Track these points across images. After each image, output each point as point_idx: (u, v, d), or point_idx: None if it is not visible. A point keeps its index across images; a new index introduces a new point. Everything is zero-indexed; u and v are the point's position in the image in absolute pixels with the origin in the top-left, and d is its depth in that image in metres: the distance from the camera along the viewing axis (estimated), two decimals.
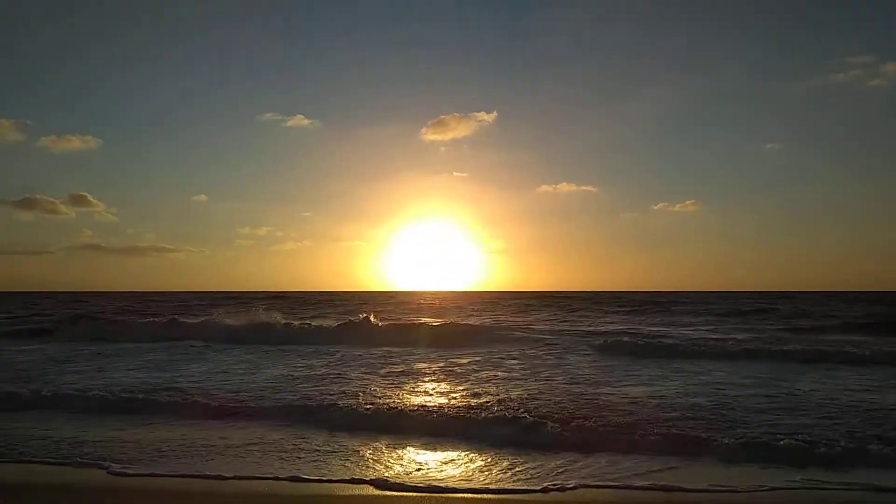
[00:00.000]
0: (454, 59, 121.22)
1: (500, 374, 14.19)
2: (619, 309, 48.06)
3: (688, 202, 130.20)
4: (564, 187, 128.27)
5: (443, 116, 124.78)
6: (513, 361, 16.35)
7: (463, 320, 33.45)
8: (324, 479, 6.71)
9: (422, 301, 73.20)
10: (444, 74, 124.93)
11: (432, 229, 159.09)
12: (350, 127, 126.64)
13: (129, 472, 6.94)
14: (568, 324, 31.50)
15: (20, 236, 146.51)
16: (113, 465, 7.17)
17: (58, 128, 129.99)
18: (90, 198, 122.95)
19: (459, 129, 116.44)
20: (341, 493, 6.32)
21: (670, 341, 20.37)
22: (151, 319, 28.51)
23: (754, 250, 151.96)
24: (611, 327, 29.04)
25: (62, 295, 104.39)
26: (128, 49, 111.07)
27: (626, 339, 20.31)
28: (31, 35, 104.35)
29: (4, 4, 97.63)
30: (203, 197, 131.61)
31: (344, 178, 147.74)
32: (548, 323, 32.25)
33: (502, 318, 38.17)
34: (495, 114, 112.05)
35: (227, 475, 6.78)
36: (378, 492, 6.34)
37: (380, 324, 24.60)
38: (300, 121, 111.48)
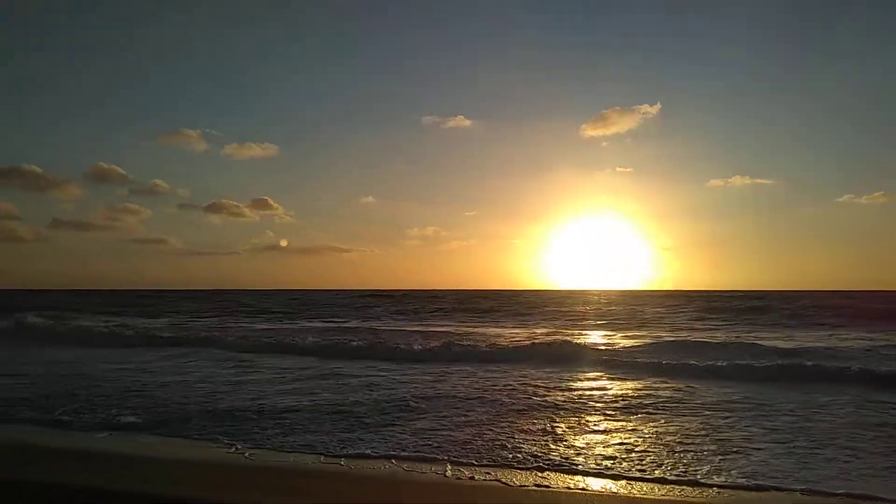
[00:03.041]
0: (614, 53, 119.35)
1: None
2: (806, 311, 44.93)
3: (876, 193, 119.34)
4: (737, 180, 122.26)
5: (604, 111, 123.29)
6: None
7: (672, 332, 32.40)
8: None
9: (604, 302, 71.13)
10: (604, 69, 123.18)
11: (595, 226, 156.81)
12: (509, 125, 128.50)
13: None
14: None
15: (210, 238, 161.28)
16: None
17: (240, 136, 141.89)
18: (271, 202, 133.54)
19: (622, 124, 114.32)
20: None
21: None
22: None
23: None
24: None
25: (248, 293, 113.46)
26: (298, 60, 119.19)
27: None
28: (212, 49, 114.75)
29: (185, 22, 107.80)
30: (370, 199, 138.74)
31: (505, 177, 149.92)
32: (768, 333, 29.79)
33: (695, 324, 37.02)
34: (659, 106, 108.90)
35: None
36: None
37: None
38: (461, 121, 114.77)
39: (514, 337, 27.42)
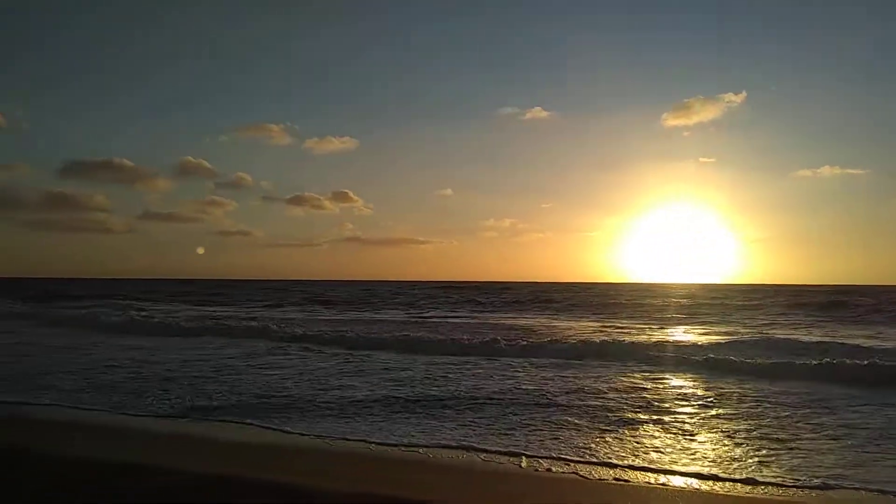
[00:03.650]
0: (696, 40, 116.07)
1: None
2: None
3: None
4: (827, 171, 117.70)
5: (686, 100, 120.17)
6: None
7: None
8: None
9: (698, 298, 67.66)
10: (685, 57, 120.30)
11: (676, 218, 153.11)
12: (588, 116, 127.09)
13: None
14: None
15: (292, 230, 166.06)
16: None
17: (320, 130, 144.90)
18: (351, 194, 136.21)
19: (705, 113, 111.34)
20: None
21: None
22: None
23: None
24: None
25: (327, 283, 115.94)
26: (376, 56, 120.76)
27: None
28: (293, 47, 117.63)
29: (269, 22, 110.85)
30: (448, 191, 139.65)
31: (583, 168, 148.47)
32: None
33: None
34: (744, 94, 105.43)
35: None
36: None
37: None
38: (538, 113, 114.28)
39: (583, 331, 27.18)
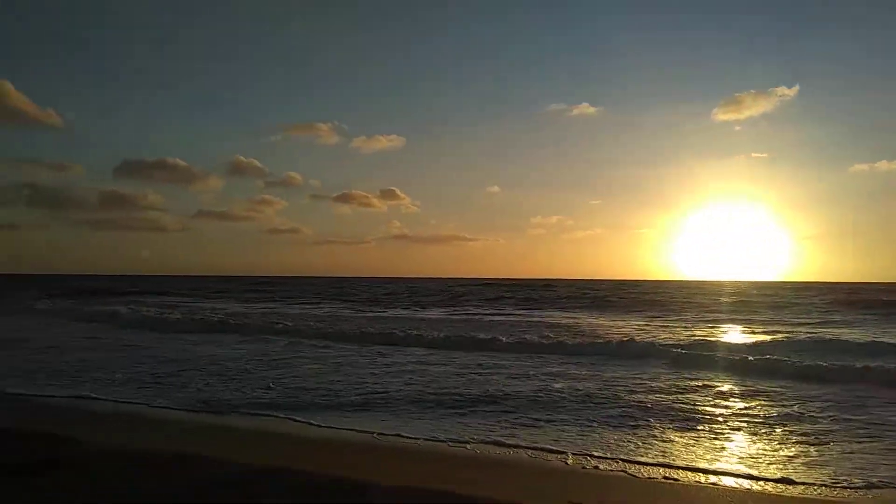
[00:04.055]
0: (747, 34, 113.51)
1: None
2: None
3: None
4: (884, 165, 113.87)
5: (736, 94, 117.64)
6: None
7: None
8: None
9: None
10: (735, 51, 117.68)
11: (728, 215, 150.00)
12: (636, 112, 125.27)
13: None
14: None
15: (340, 228, 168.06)
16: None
17: (368, 129, 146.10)
18: (398, 192, 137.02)
19: (756, 107, 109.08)
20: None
21: None
22: None
23: None
24: None
25: (374, 280, 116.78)
26: (420, 56, 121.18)
27: None
28: (341, 48, 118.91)
29: (318, 25, 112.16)
30: (496, 188, 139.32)
31: (631, 165, 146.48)
32: None
33: None
34: (797, 87, 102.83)
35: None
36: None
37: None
38: (585, 109, 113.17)
39: (626, 329, 26.89)
